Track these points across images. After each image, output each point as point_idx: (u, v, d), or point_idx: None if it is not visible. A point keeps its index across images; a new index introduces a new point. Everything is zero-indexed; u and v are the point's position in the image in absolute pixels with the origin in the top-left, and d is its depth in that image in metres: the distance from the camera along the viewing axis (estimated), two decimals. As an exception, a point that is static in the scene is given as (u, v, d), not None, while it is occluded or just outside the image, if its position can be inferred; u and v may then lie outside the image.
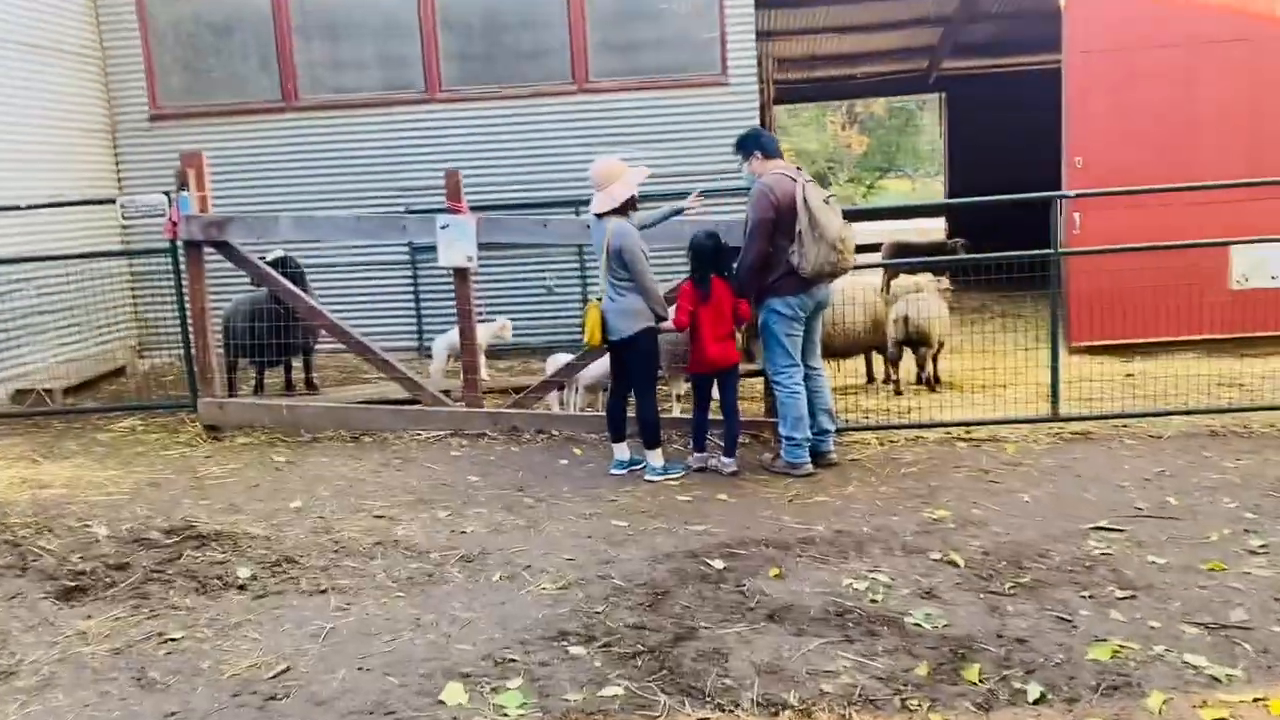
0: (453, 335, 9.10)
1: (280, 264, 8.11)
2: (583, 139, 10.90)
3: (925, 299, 8.84)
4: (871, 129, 45.78)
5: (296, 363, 8.90)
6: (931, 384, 8.87)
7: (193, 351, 7.75)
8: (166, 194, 7.62)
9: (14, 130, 9.75)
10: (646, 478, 6.45)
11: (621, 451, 6.64)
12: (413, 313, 11.24)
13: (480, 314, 9.23)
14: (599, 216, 6.39)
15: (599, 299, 6.50)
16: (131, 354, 11.24)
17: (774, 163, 6.52)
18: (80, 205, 9.35)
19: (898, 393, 8.77)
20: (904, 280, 10.46)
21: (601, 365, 7.54)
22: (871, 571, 4.81)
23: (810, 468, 6.50)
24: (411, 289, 11.20)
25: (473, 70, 11.11)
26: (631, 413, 6.61)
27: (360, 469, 6.80)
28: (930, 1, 13.64)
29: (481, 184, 10.60)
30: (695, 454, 6.67)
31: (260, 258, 7.94)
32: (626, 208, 6.35)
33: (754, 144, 6.60)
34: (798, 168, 6.62)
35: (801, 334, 6.52)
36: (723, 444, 6.64)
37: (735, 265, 6.50)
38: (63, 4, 10.58)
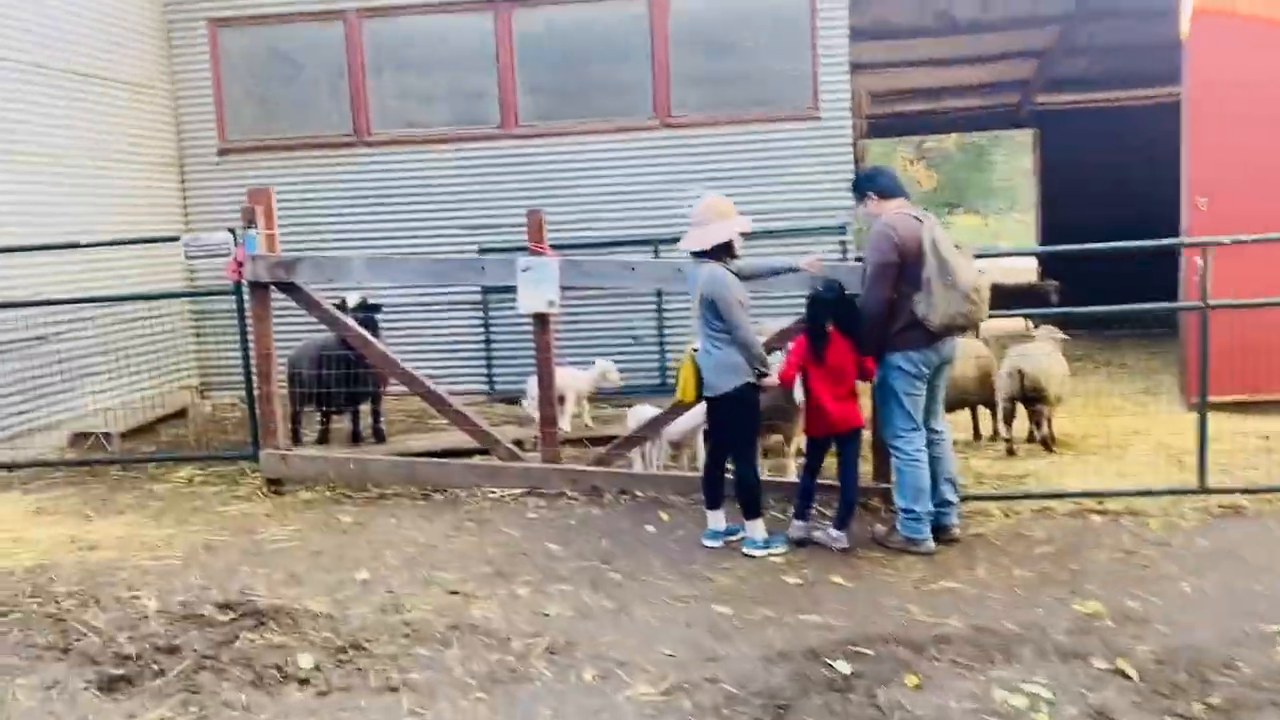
0: (568, 374, 8.64)
1: (361, 308, 7.64)
2: (665, 176, 10.37)
3: (1041, 351, 8.11)
4: (939, 164, 44.91)
5: (364, 408, 8.40)
6: (1048, 444, 8.12)
7: (255, 399, 7.28)
8: (232, 232, 7.19)
9: (78, 163, 9.47)
10: (745, 551, 5.80)
11: (716, 520, 6.01)
12: (483, 355, 10.73)
13: (561, 360, 8.73)
14: (694, 256, 5.81)
15: (695, 350, 5.91)
16: (193, 395, 10.88)
17: (893, 202, 5.89)
18: (142, 244, 8.98)
19: (1010, 453, 8.03)
20: (1006, 326, 9.72)
21: (689, 420, 6.94)
22: (1026, 682, 4.11)
23: (931, 544, 5.81)
24: (482, 330, 10.70)
25: (550, 104, 10.65)
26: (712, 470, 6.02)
27: (431, 532, 6.24)
28: (1026, 34, 12.97)
29: (557, 222, 10.03)
30: (796, 522, 6.01)
31: (337, 303, 7.48)
32: (721, 252, 5.75)
33: (869, 183, 5.98)
34: (923, 209, 5.98)
35: (924, 393, 5.86)
36: (831, 513, 5.97)
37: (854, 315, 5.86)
38: (131, 34, 10.34)
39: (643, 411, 7.28)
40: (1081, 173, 15.92)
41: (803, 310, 6.01)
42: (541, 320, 6.88)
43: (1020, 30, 12.83)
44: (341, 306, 7.52)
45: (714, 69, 10.42)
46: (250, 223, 7.06)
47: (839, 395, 5.74)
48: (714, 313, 5.67)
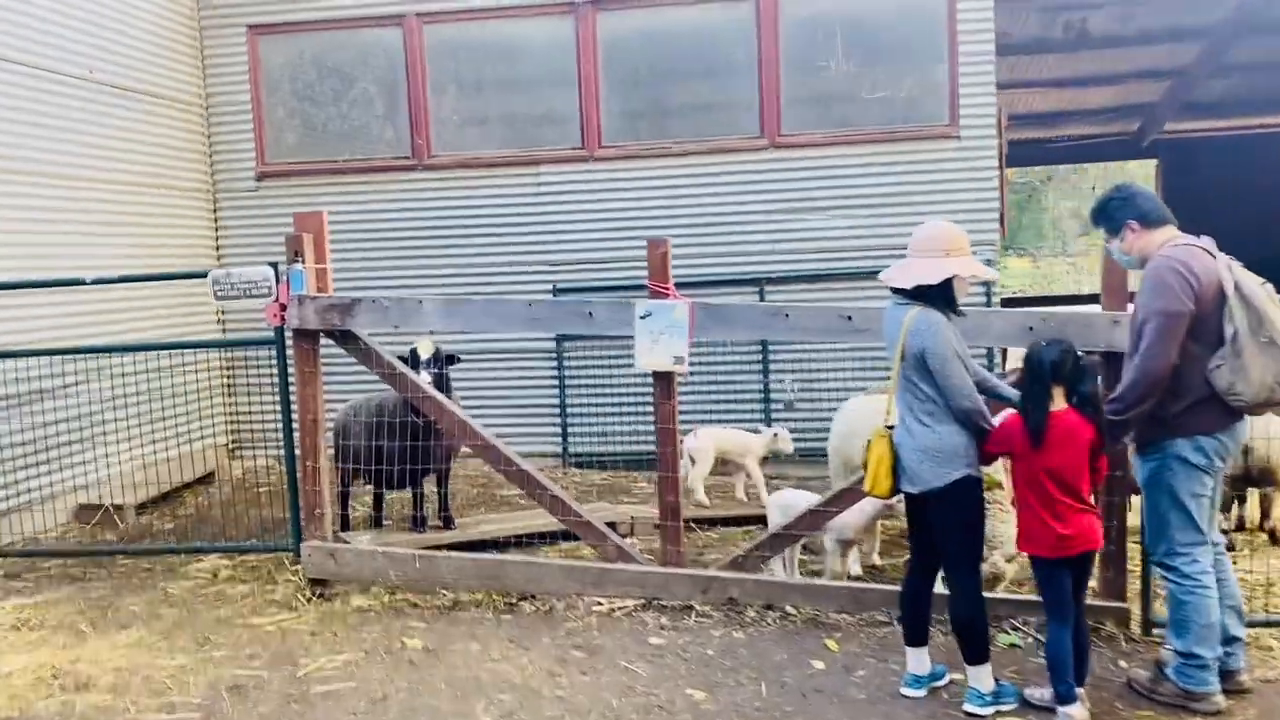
0: (720, 433, 7.41)
1: (435, 361, 6.16)
2: (773, 203, 8.87)
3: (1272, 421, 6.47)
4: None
5: (429, 485, 6.87)
6: (1277, 536, 6.48)
7: (297, 478, 5.79)
8: (274, 266, 5.74)
9: (94, 187, 8.08)
10: (967, 709, 4.20)
11: (919, 661, 4.41)
12: (555, 413, 9.22)
13: (691, 432, 7.23)
14: (897, 296, 4.28)
15: (889, 426, 4.34)
16: (223, 455, 9.42)
17: (1163, 232, 4.34)
18: (160, 280, 7.55)
19: (1230, 548, 6.36)
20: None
21: (860, 512, 5.37)
22: None
23: (1220, 700, 4.20)
24: (555, 384, 9.20)
25: (639, 123, 9.19)
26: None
27: (528, 667, 4.68)
28: (1165, 50, 11.41)
29: (638, 257, 8.63)
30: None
31: (403, 355, 6.01)
32: (938, 299, 4.21)
33: (1127, 209, 4.41)
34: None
35: (1213, 493, 4.27)
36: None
37: (1092, 387, 4.27)
38: (161, 43, 8.99)
39: (789, 499, 5.72)
40: (1210, 206, 14.29)
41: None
42: (665, 381, 5.35)
43: (1160, 46, 11.32)
44: (410, 360, 6.04)
45: (832, 81, 8.92)
46: (297, 254, 5.61)
47: (1067, 500, 4.11)
48: (922, 372, 4.13)
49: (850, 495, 5.20)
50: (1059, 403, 4.11)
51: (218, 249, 9.58)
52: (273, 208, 9.34)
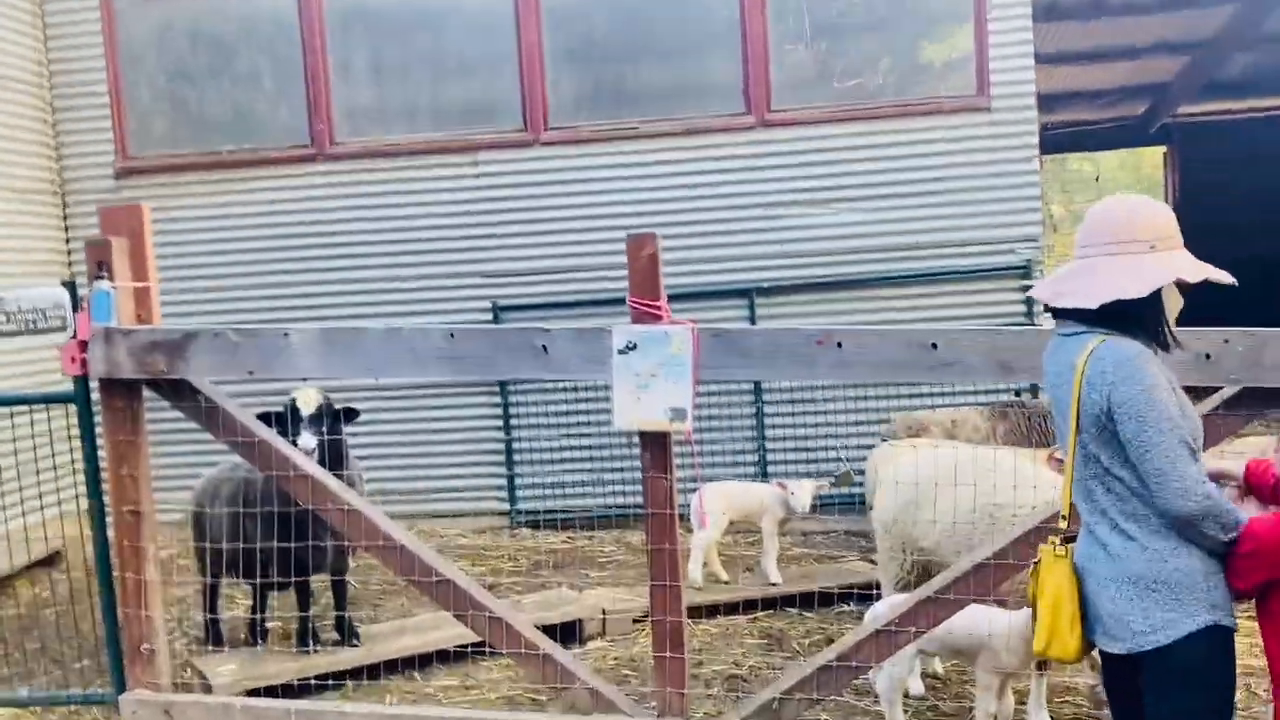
0: (733, 489, 5.83)
1: (320, 418, 4.36)
2: (763, 193, 7.18)
3: None
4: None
5: (320, 581, 5.02)
6: None
7: (112, 598, 3.95)
8: (70, 286, 3.89)
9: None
10: None
11: None
12: (500, 455, 7.45)
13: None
14: (1059, 321, 2.59)
15: (1062, 539, 2.60)
16: (84, 523, 7.44)
17: None
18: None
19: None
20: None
21: (969, 621, 3.66)
22: None
23: None
24: (500, 426, 7.42)
25: (593, 100, 7.45)
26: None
27: None
28: (1191, 17, 9.88)
29: (598, 266, 6.91)
30: None
31: (272, 413, 4.19)
32: (1143, 322, 2.49)
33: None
34: None
35: None
36: None
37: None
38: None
39: (879, 610, 3.96)
40: (1228, 200, 12.89)
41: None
42: (658, 446, 3.58)
43: (1187, 11, 9.85)
44: (287, 418, 4.22)
45: (833, 45, 7.26)
46: (101, 268, 3.76)
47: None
48: (1106, 437, 2.41)
49: (947, 602, 3.47)
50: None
51: (70, 265, 7.64)
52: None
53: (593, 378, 3.63)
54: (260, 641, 4.96)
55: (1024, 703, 4.03)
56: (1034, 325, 6.69)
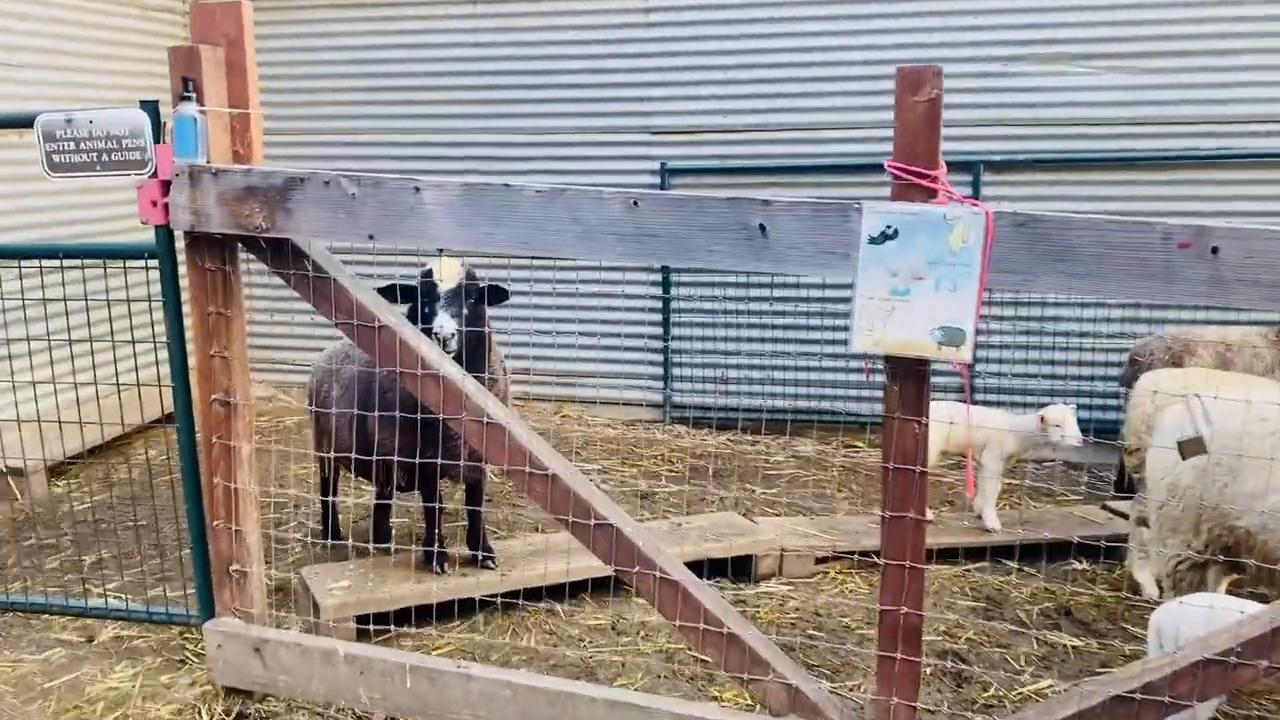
0: (949, 412, 4.59)
1: (461, 293, 3.50)
2: (1002, 42, 5.87)
3: None
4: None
5: (450, 487, 4.23)
6: None
7: (197, 512, 3.22)
8: (153, 107, 3.02)
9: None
10: None
11: None
12: (658, 345, 6.55)
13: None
14: None
15: None
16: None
17: None
18: None
19: None
20: None
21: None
22: None
23: None
24: (659, 310, 6.49)
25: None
26: None
27: None
28: None
29: (802, 123, 5.75)
30: None
31: (398, 285, 3.35)
32: None
33: None
34: None
35: None
36: None
37: None
38: None
39: (1171, 614, 2.93)
40: None
41: None
42: (913, 378, 2.56)
43: None
44: (419, 292, 3.38)
45: None
46: (188, 89, 2.89)
47: None
48: None
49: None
50: None
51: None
52: (266, 36, 6.60)
53: (824, 274, 2.58)
54: (386, 540, 4.23)
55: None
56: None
